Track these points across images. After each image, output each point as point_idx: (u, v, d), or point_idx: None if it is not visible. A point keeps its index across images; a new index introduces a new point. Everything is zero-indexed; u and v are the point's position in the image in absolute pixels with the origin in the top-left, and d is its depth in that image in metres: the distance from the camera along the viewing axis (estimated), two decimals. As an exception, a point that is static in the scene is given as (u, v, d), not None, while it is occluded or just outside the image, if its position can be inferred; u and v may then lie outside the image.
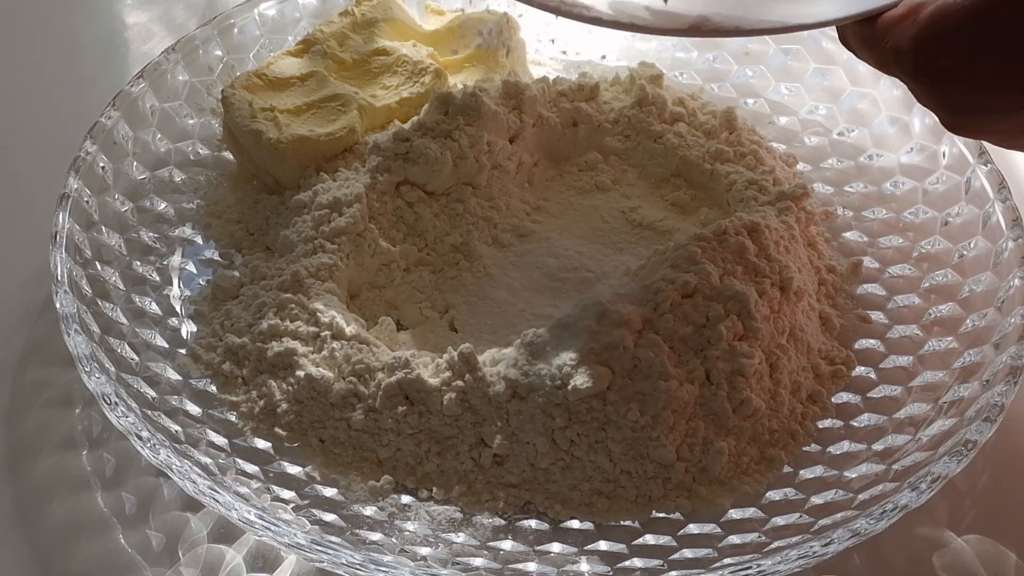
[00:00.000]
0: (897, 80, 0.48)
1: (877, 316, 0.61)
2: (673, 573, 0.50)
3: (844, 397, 0.58)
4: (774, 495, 0.54)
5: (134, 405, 0.53)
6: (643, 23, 0.49)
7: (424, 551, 0.51)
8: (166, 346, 0.59)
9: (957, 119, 0.47)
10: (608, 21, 0.49)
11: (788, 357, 0.56)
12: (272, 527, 0.49)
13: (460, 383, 0.54)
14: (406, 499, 0.53)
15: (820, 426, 0.56)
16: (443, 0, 0.75)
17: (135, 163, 0.66)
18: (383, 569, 0.48)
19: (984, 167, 0.63)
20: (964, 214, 0.63)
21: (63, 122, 0.74)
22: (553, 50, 0.76)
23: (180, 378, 0.57)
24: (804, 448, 0.55)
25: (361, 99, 0.66)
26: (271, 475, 0.54)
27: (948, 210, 0.64)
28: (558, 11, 0.51)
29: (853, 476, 0.54)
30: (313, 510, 0.52)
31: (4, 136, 0.74)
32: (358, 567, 0.48)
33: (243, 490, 0.52)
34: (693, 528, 0.52)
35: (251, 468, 0.54)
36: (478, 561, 0.51)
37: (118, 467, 0.55)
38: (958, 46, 0.44)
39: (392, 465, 0.54)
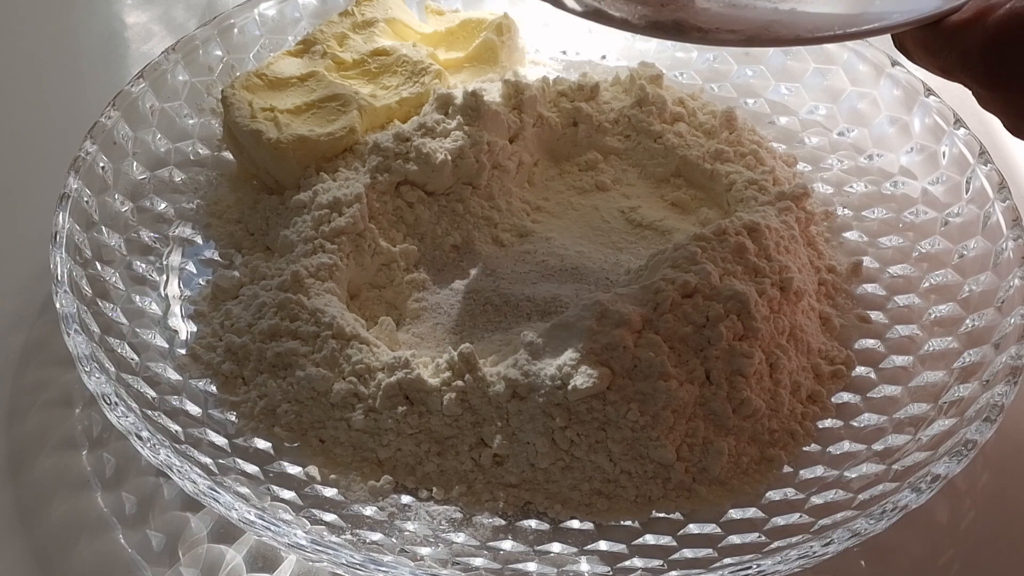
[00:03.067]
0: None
1: (877, 316, 0.61)
2: (673, 573, 0.50)
3: (844, 397, 0.58)
4: (774, 495, 0.54)
5: (134, 405, 0.53)
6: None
7: (424, 551, 0.51)
8: (166, 346, 0.59)
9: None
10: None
11: (788, 357, 0.56)
12: (272, 527, 0.49)
13: (460, 383, 0.54)
14: (406, 499, 0.53)
15: (820, 426, 0.56)
16: (443, 0, 0.75)
17: (135, 163, 0.66)
18: (383, 569, 0.48)
19: (984, 167, 0.63)
20: (964, 214, 0.63)
21: (63, 122, 0.74)
22: (553, 50, 0.76)
23: (180, 378, 0.57)
24: (804, 448, 0.55)
25: (361, 99, 0.66)
26: (271, 475, 0.54)
27: (948, 210, 0.64)
28: (564, 8, 0.50)
29: (853, 476, 0.54)
30: (313, 510, 0.52)
31: (4, 136, 0.74)
32: (358, 567, 0.48)
33: (243, 490, 0.52)
34: (693, 528, 0.52)
35: (251, 468, 0.54)
36: (478, 561, 0.51)
37: (118, 467, 0.55)
38: None
39: (392, 465, 0.54)
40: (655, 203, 0.67)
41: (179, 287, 0.62)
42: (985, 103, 0.46)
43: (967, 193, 0.64)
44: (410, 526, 0.52)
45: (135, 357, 0.57)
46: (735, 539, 0.52)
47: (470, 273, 0.62)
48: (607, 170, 0.68)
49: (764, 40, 0.47)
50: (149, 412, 0.53)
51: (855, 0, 0.49)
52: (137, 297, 0.60)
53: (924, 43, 0.47)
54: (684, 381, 0.53)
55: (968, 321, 0.59)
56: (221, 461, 0.53)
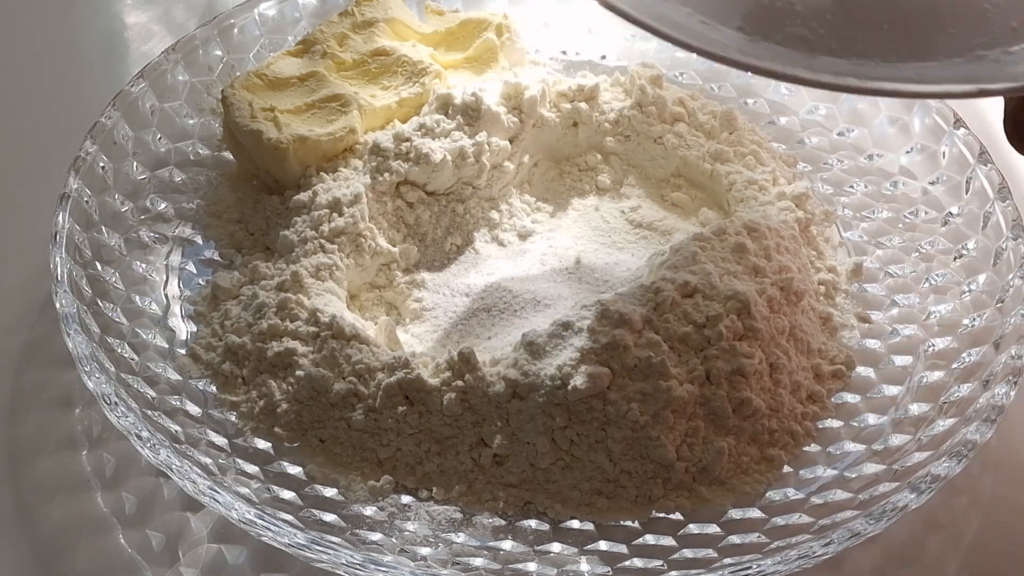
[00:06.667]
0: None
1: (877, 316, 0.61)
2: (673, 573, 0.50)
3: (844, 397, 0.58)
4: (774, 495, 0.54)
5: (134, 405, 0.53)
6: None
7: (424, 551, 0.51)
8: (166, 346, 0.59)
9: None
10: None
11: (788, 357, 0.56)
12: (272, 527, 0.49)
13: (460, 383, 0.54)
14: (406, 499, 0.53)
15: (820, 426, 0.56)
16: (443, 0, 0.75)
17: (135, 163, 0.66)
18: (383, 569, 0.48)
19: (984, 167, 0.63)
20: (964, 214, 0.63)
21: (63, 122, 0.74)
22: (553, 50, 0.76)
23: (180, 378, 0.57)
24: (804, 448, 0.55)
25: (361, 99, 0.66)
26: (271, 475, 0.54)
27: (948, 210, 0.64)
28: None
29: (853, 476, 0.54)
30: (313, 510, 0.52)
31: (4, 136, 0.74)
32: (358, 567, 0.48)
33: (243, 490, 0.52)
34: (693, 528, 0.52)
35: (251, 468, 0.54)
36: (478, 561, 0.51)
37: (118, 467, 0.55)
38: None
39: (392, 465, 0.54)
40: (655, 203, 0.67)
41: (179, 287, 0.62)
42: None
43: (967, 193, 0.64)
44: (410, 526, 0.52)
45: (135, 357, 0.57)
46: (735, 539, 0.52)
47: (470, 273, 0.62)
48: (607, 171, 0.68)
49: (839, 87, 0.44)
50: (149, 412, 0.54)
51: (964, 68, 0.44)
52: (137, 297, 0.60)
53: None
54: (684, 381, 0.53)
55: (968, 321, 0.59)
56: (221, 461, 0.53)
